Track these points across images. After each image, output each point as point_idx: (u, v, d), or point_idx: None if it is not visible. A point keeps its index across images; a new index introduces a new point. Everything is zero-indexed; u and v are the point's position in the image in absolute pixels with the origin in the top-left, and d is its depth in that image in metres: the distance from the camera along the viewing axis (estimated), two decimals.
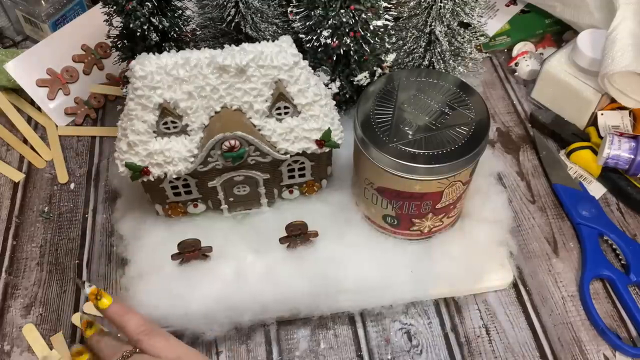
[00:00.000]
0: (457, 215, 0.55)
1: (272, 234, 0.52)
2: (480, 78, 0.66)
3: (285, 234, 0.51)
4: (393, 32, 0.58)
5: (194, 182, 0.51)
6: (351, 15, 0.51)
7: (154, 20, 0.51)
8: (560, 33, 0.75)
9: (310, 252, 0.52)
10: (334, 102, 0.51)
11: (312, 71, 0.48)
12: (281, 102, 0.47)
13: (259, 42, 0.47)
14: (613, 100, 0.63)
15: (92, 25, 0.69)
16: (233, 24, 0.54)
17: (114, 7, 0.51)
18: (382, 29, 0.54)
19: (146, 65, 0.44)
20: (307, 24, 0.53)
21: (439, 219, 0.52)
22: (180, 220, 0.55)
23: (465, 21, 0.57)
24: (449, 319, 0.54)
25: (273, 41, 0.47)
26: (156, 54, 0.46)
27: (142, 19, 0.50)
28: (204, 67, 0.45)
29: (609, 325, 0.53)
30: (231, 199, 0.54)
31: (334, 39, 0.52)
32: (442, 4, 0.54)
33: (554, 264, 0.57)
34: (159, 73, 0.45)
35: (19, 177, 0.64)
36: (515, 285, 0.55)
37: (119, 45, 0.55)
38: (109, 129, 0.68)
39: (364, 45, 0.54)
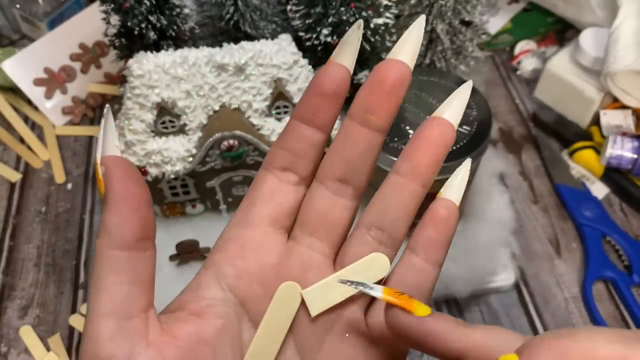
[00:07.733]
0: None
1: None
2: (482, 77, 0.66)
3: None
4: (394, 31, 0.57)
5: (192, 182, 0.51)
6: (351, 13, 0.50)
7: (151, 18, 0.50)
8: (562, 31, 0.75)
9: None
10: None
11: (312, 70, 0.48)
12: (280, 101, 0.47)
13: (258, 41, 0.47)
14: (616, 100, 0.62)
15: (90, 24, 0.68)
16: (232, 22, 0.54)
17: (112, 5, 0.50)
18: (382, 27, 0.54)
19: (144, 63, 0.44)
20: (307, 22, 0.53)
21: None
22: (178, 220, 0.54)
23: (466, 19, 0.56)
24: None
25: (272, 39, 0.47)
26: (154, 52, 0.45)
27: (139, 17, 0.50)
28: (202, 66, 0.45)
29: (611, 327, 0.52)
30: (230, 199, 0.54)
31: (334, 37, 0.52)
32: (443, 2, 0.53)
33: (556, 265, 0.56)
34: (156, 72, 0.44)
35: (15, 177, 0.63)
36: (517, 286, 0.55)
37: (117, 44, 0.55)
38: None
39: (364, 44, 0.53)
